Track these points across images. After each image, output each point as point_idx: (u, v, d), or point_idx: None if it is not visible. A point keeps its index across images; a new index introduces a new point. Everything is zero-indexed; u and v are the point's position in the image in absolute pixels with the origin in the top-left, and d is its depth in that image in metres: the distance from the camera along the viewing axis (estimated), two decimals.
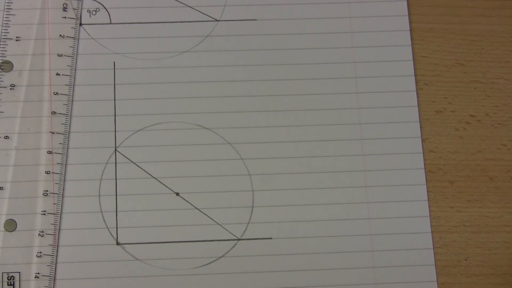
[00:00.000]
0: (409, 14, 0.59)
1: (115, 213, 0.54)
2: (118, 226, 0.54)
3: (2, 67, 0.55)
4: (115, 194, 0.54)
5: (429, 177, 0.56)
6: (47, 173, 0.54)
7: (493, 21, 0.59)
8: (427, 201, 0.55)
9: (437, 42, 0.59)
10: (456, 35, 0.59)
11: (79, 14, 0.57)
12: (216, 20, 0.58)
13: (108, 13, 0.58)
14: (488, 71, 0.58)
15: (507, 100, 0.58)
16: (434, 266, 0.54)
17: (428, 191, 0.55)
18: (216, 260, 0.54)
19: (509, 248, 0.55)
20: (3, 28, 0.56)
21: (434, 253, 0.54)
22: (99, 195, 0.54)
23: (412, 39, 0.58)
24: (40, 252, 0.52)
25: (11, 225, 0.53)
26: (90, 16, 0.58)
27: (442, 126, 0.57)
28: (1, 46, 0.56)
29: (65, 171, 0.54)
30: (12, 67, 0.56)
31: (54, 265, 0.52)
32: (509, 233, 0.55)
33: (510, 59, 0.59)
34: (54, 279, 0.52)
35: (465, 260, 0.54)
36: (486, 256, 0.55)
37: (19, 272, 0.52)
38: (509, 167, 0.56)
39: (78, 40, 0.57)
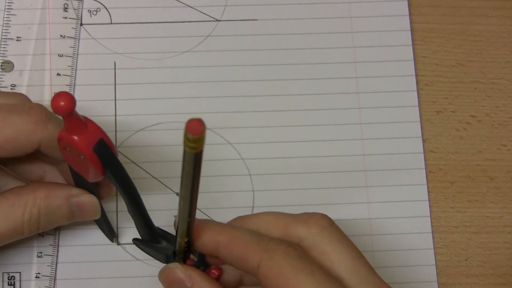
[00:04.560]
0: (410, 15, 0.59)
1: (115, 213, 0.54)
2: (118, 226, 0.54)
3: (3, 67, 0.55)
4: (115, 194, 0.54)
5: (429, 178, 0.56)
6: None
7: (493, 22, 0.59)
8: (427, 201, 0.55)
9: (437, 43, 0.59)
10: (456, 35, 0.59)
11: (80, 14, 0.57)
12: (217, 20, 0.58)
13: (109, 13, 0.58)
14: (489, 72, 0.58)
15: (508, 101, 0.58)
16: (434, 266, 0.54)
17: (428, 191, 0.55)
18: None
19: (509, 248, 0.55)
20: (4, 28, 0.56)
21: (435, 253, 0.54)
22: None
23: (412, 39, 0.58)
24: (41, 252, 0.52)
25: None
26: (90, 16, 0.58)
27: (442, 127, 0.57)
28: (2, 46, 0.56)
29: None
30: (13, 67, 0.56)
31: (54, 265, 0.52)
32: (509, 234, 0.55)
33: (511, 59, 0.59)
34: (55, 279, 0.52)
35: (466, 260, 0.54)
36: (486, 256, 0.55)
37: (19, 272, 0.52)
38: (510, 167, 0.56)
39: (78, 40, 0.57)
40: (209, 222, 0.45)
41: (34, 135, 0.44)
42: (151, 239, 0.48)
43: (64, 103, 0.39)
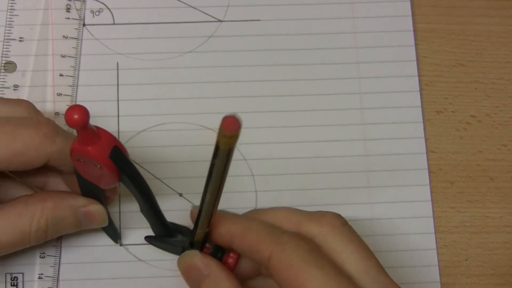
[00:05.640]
0: (412, 15, 0.59)
1: (118, 213, 0.54)
2: (121, 227, 0.53)
3: (5, 68, 0.55)
4: (118, 195, 0.54)
5: (429, 178, 0.56)
6: None
7: (494, 22, 0.60)
8: (430, 202, 0.55)
9: (438, 43, 0.59)
10: (457, 35, 0.59)
11: (82, 15, 0.57)
12: (219, 21, 0.58)
13: (112, 13, 0.58)
14: (489, 72, 0.58)
15: (508, 101, 0.58)
16: (437, 266, 0.54)
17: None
18: None
19: (509, 248, 0.55)
20: (7, 28, 0.56)
21: (438, 253, 0.54)
22: None
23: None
24: (44, 253, 0.52)
25: None
26: (93, 17, 0.57)
27: (442, 127, 0.57)
28: (5, 46, 0.56)
29: None
30: (16, 67, 0.55)
31: (57, 266, 0.52)
32: (509, 234, 0.55)
33: (511, 59, 0.59)
34: (58, 280, 0.52)
35: (466, 260, 0.55)
36: (486, 256, 0.55)
37: (22, 273, 0.52)
38: (510, 167, 0.57)
39: (81, 41, 0.57)
40: (225, 213, 0.46)
41: (43, 149, 0.44)
42: (164, 234, 0.49)
43: (78, 116, 0.39)
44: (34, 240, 0.46)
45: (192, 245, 0.47)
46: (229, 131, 0.34)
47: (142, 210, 0.48)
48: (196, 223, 0.45)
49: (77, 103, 0.55)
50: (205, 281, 0.45)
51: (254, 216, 0.47)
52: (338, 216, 0.45)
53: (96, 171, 0.44)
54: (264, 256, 0.42)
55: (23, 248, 0.47)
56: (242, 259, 0.47)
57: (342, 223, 0.45)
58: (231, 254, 0.47)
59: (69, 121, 0.39)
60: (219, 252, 0.47)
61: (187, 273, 0.46)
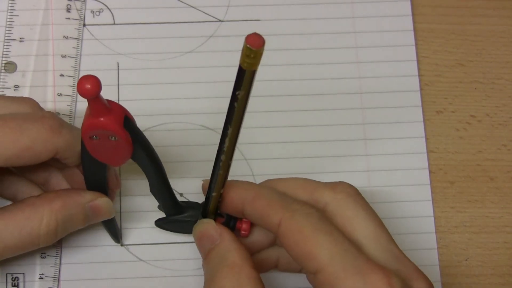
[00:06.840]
0: (412, 15, 0.59)
1: (118, 213, 0.54)
2: (121, 227, 0.54)
3: (6, 68, 0.55)
4: (118, 195, 0.54)
5: (430, 177, 0.56)
6: None
7: (493, 22, 0.60)
8: (431, 201, 0.55)
9: (437, 43, 0.59)
10: (456, 35, 0.59)
11: (83, 15, 0.57)
12: (220, 21, 0.58)
13: (112, 13, 0.58)
14: (489, 72, 0.58)
15: (508, 101, 0.58)
16: (437, 266, 0.54)
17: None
18: None
19: (509, 248, 0.55)
20: (7, 29, 0.56)
21: (438, 253, 0.54)
22: None
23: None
24: (44, 253, 0.52)
25: None
26: (93, 17, 0.57)
27: (442, 127, 0.57)
28: (5, 47, 0.56)
29: None
30: (16, 68, 0.55)
31: (58, 266, 0.52)
32: (509, 234, 0.55)
33: (511, 59, 0.59)
34: (59, 280, 0.52)
35: (466, 260, 0.55)
36: (486, 256, 0.55)
37: (23, 273, 0.52)
38: (510, 167, 0.57)
39: (81, 41, 0.57)
40: (237, 181, 0.47)
41: (50, 142, 0.44)
42: (176, 212, 0.50)
43: (91, 86, 0.38)
44: (44, 242, 0.46)
45: (204, 216, 0.48)
46: (255, 46, 0.34)
47: (152, 188, 0.48)
48: (209, 187, 0.45)
49: (78, 103, 0.55)
50: (215, 249, 0.45)
51: (268, 184, 0.48)
52: (352, 186, 0.47)
53: (111, 146, 0.43)
54: (274, 222, 0.43)
55: (31, 250, 0.47)
56: (256, 229, 0.48)
57: (356, 192, 0.46)
58: (244, 219, 0.48)
59: (82, 91, 0.38)
60: (232, 222, 0.48)
61: (200, 240, 0.47)
